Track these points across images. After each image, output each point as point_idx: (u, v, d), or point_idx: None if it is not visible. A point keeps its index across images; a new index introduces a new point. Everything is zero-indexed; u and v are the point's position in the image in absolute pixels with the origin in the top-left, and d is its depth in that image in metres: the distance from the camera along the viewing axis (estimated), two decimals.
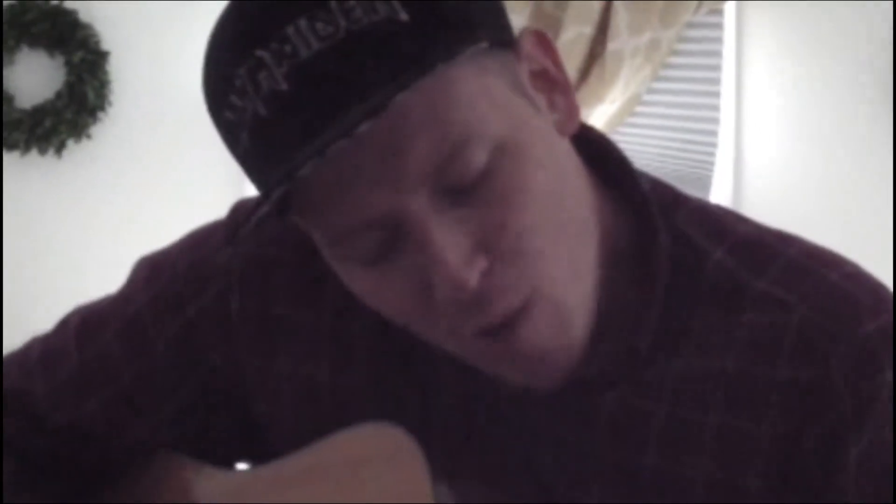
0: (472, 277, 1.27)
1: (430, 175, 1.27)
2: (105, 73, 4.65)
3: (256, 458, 1.63)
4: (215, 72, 1.29)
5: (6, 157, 4.66)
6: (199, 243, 1.62)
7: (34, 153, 4.64)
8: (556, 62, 1.38)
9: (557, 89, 1.36)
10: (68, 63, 4.66)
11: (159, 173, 4.76)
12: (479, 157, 1.28)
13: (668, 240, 1.45)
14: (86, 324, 1.65)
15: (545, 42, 1.38)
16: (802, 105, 4.70)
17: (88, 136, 4.65)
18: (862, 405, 1.37)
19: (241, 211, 1.60)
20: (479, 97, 1.28)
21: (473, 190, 1.29)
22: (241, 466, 1.67)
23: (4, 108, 4.65)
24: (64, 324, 1.67)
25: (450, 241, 1.28)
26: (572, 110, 1.37)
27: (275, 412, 1.60)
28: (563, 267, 1.36)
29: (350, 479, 1.50)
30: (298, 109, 1.25)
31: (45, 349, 1.67)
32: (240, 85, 1.26)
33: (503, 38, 1.33)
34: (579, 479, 1.48)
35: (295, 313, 1.58)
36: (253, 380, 1.59)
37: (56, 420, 1.65)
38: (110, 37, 4.70)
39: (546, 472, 1.49)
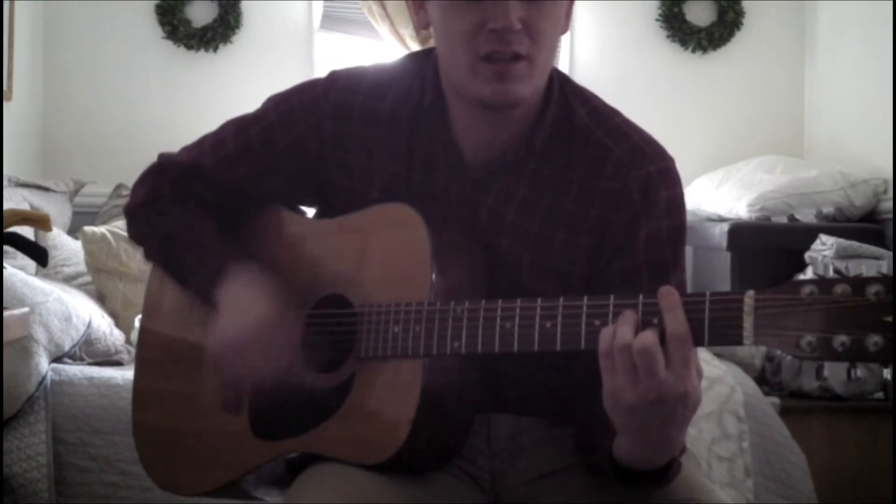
0: (515, 25, 1.50)
1: None
2: (240, 9, 5.12)
3: (325, 211, 1.75)
4: None
5: (186, 52, 5.05)
6: (308, 89, 1.72)
7: (202, 51, 5.11)
8: (572, 7, 1.60)
9: (568, 17, 1.60)
10: (220, 4, 5.11)
11: (267, 61, 5.13)
12: None
13: (560, 100, 1.63)
14: (238, 126, 1.74)
15: None
16: (607, 26, 5.31)
17: (231, 42, 5.13)
18: (647, 207, 1.57)
19: (337, 73, 1.71)
20: None
21: (533, 5, 1.51)
22: (311, 213, 1.79)
23: (186, 28, 5.04)
24: (224, 127, 1.76)
25: (517, 7, 1.50)
26: (567, 26, 1.60)
27: (343, 184, 1.69)
28: (542, 69, 1.56)
29: (377, 232, 1.61)
30: None
31: (213, 140, 1.76)
32: None
33: None
34: (499, 233, 1.62)
35: (361, 129, 1.67)
36: (333, 164, 1.68)
37: (218, 181, 1.75)
38: None
39: (483, 229, 1.62)
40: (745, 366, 3.70)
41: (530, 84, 1.54)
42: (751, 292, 1.26)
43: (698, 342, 1.30)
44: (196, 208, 1.75)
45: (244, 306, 1.60)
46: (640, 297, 1.35)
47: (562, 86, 1.66)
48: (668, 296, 1.32)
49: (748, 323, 1.25)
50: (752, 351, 3.79)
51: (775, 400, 3.70)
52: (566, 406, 1.63)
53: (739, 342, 1.26)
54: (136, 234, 1.79)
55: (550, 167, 1.61)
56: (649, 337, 1.30)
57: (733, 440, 3.27)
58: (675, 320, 1.30)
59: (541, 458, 1.66)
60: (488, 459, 1.67)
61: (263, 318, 1.59)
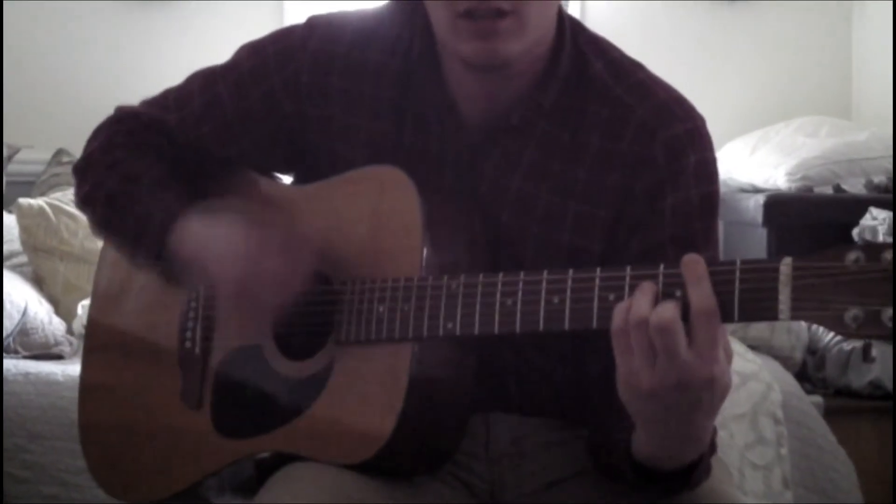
0: None
1: None
2: None
3: (302, 177, 1.78)
4: None
5: (147, 1, 5.00)
6: (283, 37, 1.76)
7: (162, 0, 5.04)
8: None
9: None
10: None
11: (232, 9, 5.05)
12: None
13: (573, 52, 1.65)
14: (206, 79, 1.77)
15: None
16: None
17: None
18: (674, 173, 1.59)
19: (316, 19, 1.74)
20: None
21: None
22: (288, 180, 1.83)
23: None
24: (190, 79, 1.80)
25: None
26: None
27: (323, 146, 1.71)
28: (535, 23, 1.56)
29: (361, 197, 1.62)
30: None
31: (177, 94, 1.79)
32: None
33: None
34: (501, 204, 1.64)
35: (344, 83, 1.69)
36: (311, 123, 1.71)
37: (182, 139, 1.78)
38: None
39: (484, 199, 1.64)
40: (784, 359, 3.70)
41: (520, 41, 1.55)
42: (788, 259, 1.26)
43: (727, 318, 1.30)
44: (155, 161, 1.76)
45: (226, 229, 1.62)
46: (661, 266, 1.35)
47: (575, 36, 1.66)
48: (692, 265, 1.32)
49: (784, 295, 1.25)
50: (793, 342, 3.80)
51: (818, 399, 3.65)
52: (577, 404, 1.64)
53: (775, 317, 1.26)
54: (82, 195, 1.79)
55: (562, 129, 1.63)
56: (669, 310, 1.30)
57: (770, 446, 3.26)
58: (701, 293, 1.30)
59: (547, 464, 1.66)
60: (486, 466, 1.67)
61: (253, 233, 1.60)
